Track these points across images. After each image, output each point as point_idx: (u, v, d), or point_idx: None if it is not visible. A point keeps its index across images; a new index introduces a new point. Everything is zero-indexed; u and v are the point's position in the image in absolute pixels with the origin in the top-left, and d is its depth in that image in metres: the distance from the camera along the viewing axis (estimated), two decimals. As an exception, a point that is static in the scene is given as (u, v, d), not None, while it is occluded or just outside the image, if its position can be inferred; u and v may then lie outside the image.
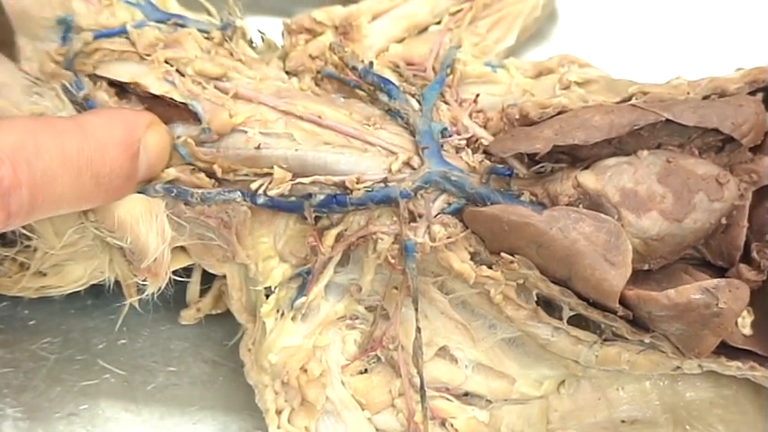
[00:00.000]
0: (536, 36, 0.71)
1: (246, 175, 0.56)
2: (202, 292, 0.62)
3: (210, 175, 0.56)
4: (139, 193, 0.54)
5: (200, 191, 0.55)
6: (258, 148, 0.55)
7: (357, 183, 0.55)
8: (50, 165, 0.48)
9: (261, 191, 0.55)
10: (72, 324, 0.63)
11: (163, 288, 0.58)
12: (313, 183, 0.55)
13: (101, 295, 0.62)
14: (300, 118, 0.56)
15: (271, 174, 0.55)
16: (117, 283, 0.58)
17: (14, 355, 0.61)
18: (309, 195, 0.56)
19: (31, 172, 0.48)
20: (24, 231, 0.54)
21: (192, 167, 0.56)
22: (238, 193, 0.55)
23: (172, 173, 0.55)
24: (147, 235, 0.54)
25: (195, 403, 0.61)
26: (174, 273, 0.57)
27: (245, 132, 0.55)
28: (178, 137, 0.56)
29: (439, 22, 0.65)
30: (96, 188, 0.51)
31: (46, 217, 0.51)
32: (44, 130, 0.49)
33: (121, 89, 0.57)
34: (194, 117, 0.56)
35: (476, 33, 0.65)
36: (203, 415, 0.61)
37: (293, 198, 0.56)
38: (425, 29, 0.65)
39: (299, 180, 0.55)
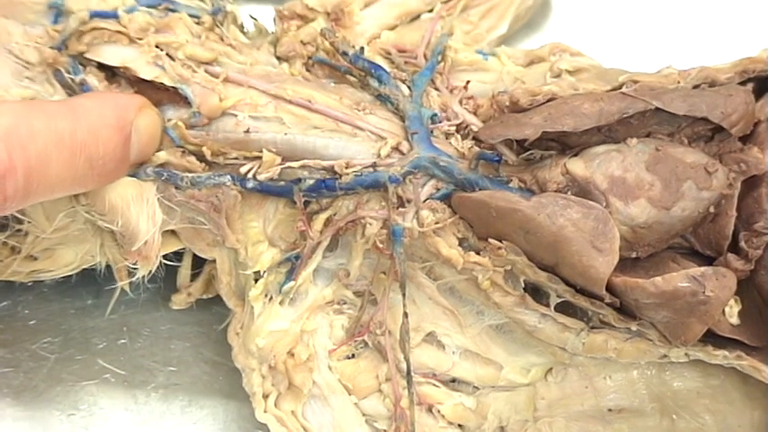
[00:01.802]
0: (528, 26, 0.71)
1: (236, 158, 0.56)
2: (194, 278, 0.61)
3: (200, 158, 0.56)
4: (131, 176, 0.54)
5: (190, 175, 0.55)
6: (247, 132, 0.55)
7: (346, 167, 0.55)
8: (44, 149, 0.48)
9: (250, 174, 0.55)
10: (72, 324, 0.63)
11: (162, 287, 0.58)
12: (302, 167, 0.55)
13: (101, 295, 0.62)
14: (290, 102, 0.56)
15: (260, 157, 0.55)
16: (116, 282, 0.58)
17: (14, 354, 0.62)
18: (299, 180, 0.56)
19: (26, 156, 0.48)
20: (16, 215, 0.54)
21: (183, 151, 0.56)
22: (228, 177, 0.55)
23: (162, 156, 0.55)
24: (138, 218, 0.54)
25: (195, 403, 0.61)
26: (165, 257, 0.57)
27: (235, 116, 0.55)
28: (168, 120, 0.56)
29: (431, 10, 0.65)
30: (90, 171, 0.51)
31: (40, 201, 0.51)
32: (36, 114, 0.49)
33: (111, 73, 0.57)
34: (184, 100, 0.56)
35: (468, 21, 0.65)
36: (203, 415, 0.61)
37: (282, 182, 0.56)
38: (417, 16, 0.65)
39: (287, 164, 0.55)
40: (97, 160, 0.51)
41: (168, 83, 0.56)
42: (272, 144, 0.55)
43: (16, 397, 0.61)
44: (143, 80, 0.56)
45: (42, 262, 0.57)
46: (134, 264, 0.55)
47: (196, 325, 0.63)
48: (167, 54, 0.57)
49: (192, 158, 0.55)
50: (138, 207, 0.54)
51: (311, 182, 0.55)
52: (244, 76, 0.57)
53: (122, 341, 0.62)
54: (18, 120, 0.48)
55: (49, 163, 0.49)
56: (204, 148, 0.55)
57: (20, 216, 0.55)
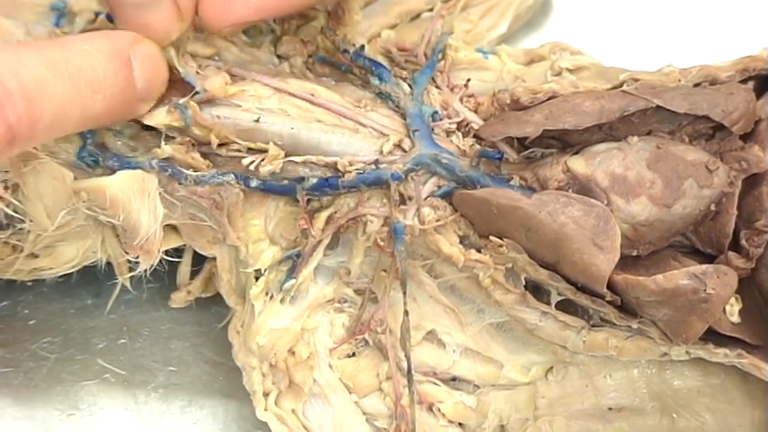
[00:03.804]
0: (529, 25, 0.71)
1: (239, 150, 0.55)
2: (194, 276, 0.61)
3: (205, 154, 0.56)
4: (135, 168, 0.54)
5: (194, 174, 0.55)
6: (257, 121, 0.55)
7: (349, 165, 0.55)
8: (37, 71, 0.46)
9: (252, 167, 0.55)
10: (72, 324, 0.63)
11: (163, 285, 0.58)
12: (304, 162, 0.55)
13: (101, 295, 0.62)
14: (293, 95, 0.56)
15: (262, 150, 0.55)
16: (116, 281, 0.58)
17: (14, 354, 0.61)
18: (302, 179, 0.56)
19: (19, 80, 0.46)
20: (16, 215, 0.54)
21: (188, 145, 0.55)
22: (231, 175, 0.55)
23: (168, 150, 0.55)
24: (140, 212, 0.54)
25: (195, 403, 0.61)
26: (166, 254, 0.57)
27: (241, 106, 0.55)
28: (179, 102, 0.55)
29: (431, 9, 0.65)
30: (95, 96, 0.49)
31: (56, 132, 0.49)
32: (23, 47, 0.48)
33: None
34: (189, 90, 0.55)
35: (468, 20, 0.65)
36: (203, 415, 0.61)
37: (286, 181, 0.56)
38: (418, 15, 0.65)
39: (290, 158, 0.55)
40: (99, 84, 0.49)
41: (177, 66, 0.56)
42: (279, 137, 0.55)
43: (16, 397, 0.60)
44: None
45: (44, 259, 0.57)
46: (135, 258, 0.55)
47: (196, 324, 0.63)
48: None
49: (197, 155, 0.55)
50: (140, 201, 0.53)
51: (314, 180, 0.55)
52: (246, 71, 0.57)
53: (122, 341, 0.62)
54: (2, 51, 0.46)
55: (46, 85, 0.47)
56: (212, 135, 0.55)
57: (20, 215, 0.54)
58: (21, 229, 0.55)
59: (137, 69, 0.51)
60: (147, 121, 0.54)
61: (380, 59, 0.60)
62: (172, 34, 0.54)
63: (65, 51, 0.49)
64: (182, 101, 0.55)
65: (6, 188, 0.52)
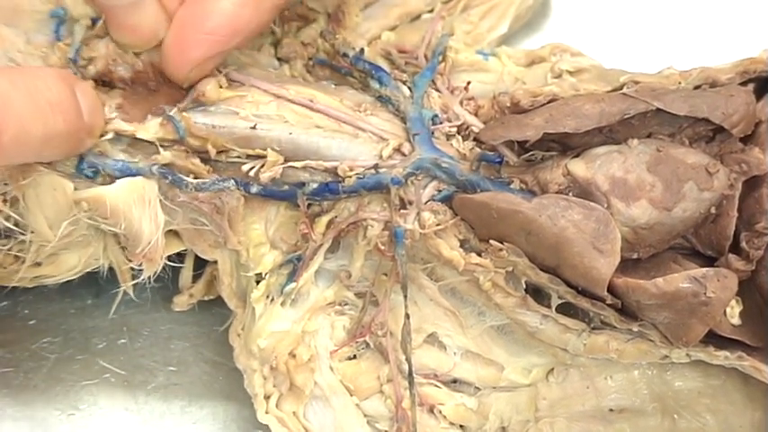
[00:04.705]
0: (529, 27, 0.71)
1: (239, 156, 0.55)
2: (196, 279, 0.61)
3: (204, 160, 0.56)
4: (135, 176, 0.54)
5: (195, 181, 0.55)
6: (254, 128, 0.55)
7: (348, 169, 0.55)
8: (1, 88, 0.48)
9: (252, 173, 0.55)
10: (72, 324, 0.63)
11: (162, 285, 0.58)
12: (304, 167, 0.55)
13: (101, 295, 0.62)
14: (292, 101, 0.56)
15: (262, 156, 0.55)
16: (117, 282, 0.58)
17: (14, 354, 0.61)
18: (302, 184, 0.56)
19: None
20: (18, 229, 0.54)
21: (187, 151, 0.55)
22: (232, 181, 0.55)
23: (167, 156, 0.55)
24: (141, 220, 0.54)
25: (195, 403, 0.61)
26: (167, 258, 0.57)
27: (238, 113, 0.55)
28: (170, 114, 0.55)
29: (431, 11, 0.65)
30: (55, 116, 0.50)
31: (23, 151, 0.49)
32: None
33: (102, 83, 0.57)
34: (182, 96, 0.55)
35: (468, 21, 0.65)
36: (203, 415, 0.61)
37: (286, 187, 0.56)
38: (418, 17, 0.65)
39: (290, 164, 0.55)
40: (58, 105, 0.50)
41: None
42: (277, 143, 0.55)
43: (16, 397, 0.60)
44: (133, 84, 0.56)
45: (46, 267, 0.57)
46: (139, 265, 0.55)
47: (196, 325, 0.63)
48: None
49: (197, 161, 0.55)
50: (141, 209, 0.53)
51: (315, 186, 0.55)
52: (244, 76, 0.57)
53: (122, 341, 0.62)
54: None
55: (7, 99, 0.48)
56: (209, 145, 0.55)
57: (22, 229, 0.54)
58: (23, 240, 0.55)
59: (81, 101, 0.52)
60: (140, 136, 0.54)
61: (380, 61, 0.60)
62: (159, 34, 0.54)
63: (22, 72, 0.50)
64: (172, 112, 0.54)
65: (6, 201, 0.52)
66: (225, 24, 0.52)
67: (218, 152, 0.55)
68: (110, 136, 0.54)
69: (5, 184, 0.52)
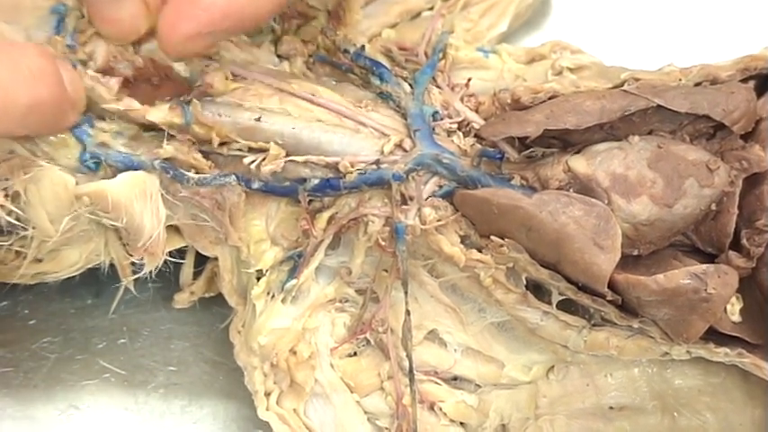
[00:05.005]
0: (529, 24, 0.71)
1: (240, 149, 0.55)
2: (196, 276, 0.61)
3: (206, 154, 0.56)
4: (139, 167, 0.54)
5: (196, 176, 0.55)
6: (258, 120, 0.55)
7: (350, 165, 0.55)
8: None
9: (253, 166, 0.55)
10: (72, 324, 0.62)
11: (163, 285, 0.58)
12: (305, 162, 0.55)
13: (101, 295, 0.62)
14: (294, 95, 0.56)
15: (264, 150, 0.55)
16: (117, 281, 0.58)
17: (14, 354, 0.61)
18: (304, 180, 0.56)
19: None
20: (18, 223, 0.54)
21: (190, 142, 0.55)
22: (233, 177, 0.55)
23: (169, 150, 0.55)
24: (142, 215, 0.54)
25: (195, 403, 0.61)
26: (169, 255, 0.57)
27: (242, 105, 0.55)
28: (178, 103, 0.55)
29: (431, 8, 0.65)
30: (37, 81, 0.50)
31: (8, 120, 0.49)
32: None
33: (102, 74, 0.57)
34: (186, 89, 0.56)
35: (468, 19, 0.65)
36: (203, 414, 0.61)
37: (287, 183, 0.56)
38: (418, 15, 0.65)
39: (291, 158, 0.55)
40: (40, 72, 0.50)
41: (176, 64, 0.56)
42: (280, 136, 0.55)
43: (16, 397, 0.60)
44: (136, 80, 0.56)
45: (47, 264, 0.56)
46: (140, 260, 0.55)
47: (196, 325, 0.63)
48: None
49: (199, 155, 0.55)
50: (142, 203, 0.53)
51: (316, 181, 0.55)
52: (246, 71, 0.57)
53: (122, 341, 0.62)
54: None
55: None
56: (213, 134, 0.55)
57: (23, 224, 0.54)
58: (24, 236, 0.55)
59: (63, 74, 0.52)
60: (150, 117, 0.54)
61: (381, 59, 0.60)
62: (141, 29, 0.55)
63: (2, 44, 0.51)
64: (184, 98, 0.55)
65: (7, 196, 0.52)
66: (220, 3, 0.52)
67: (220, 144, 0.55)
68: (115, 128, 0.54)
69: (7, 179, 0.52)
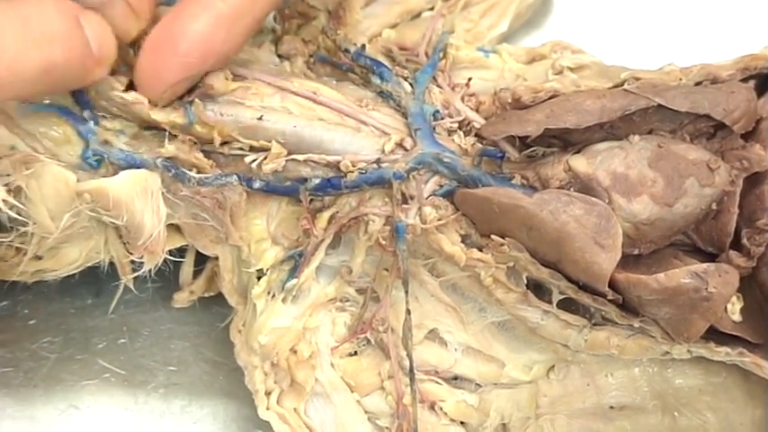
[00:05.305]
0: (529, 24, 0.71)
1: (241, 148, 0.55)
2: (196, 276, 0.61)
3: (207, 154, 0.56)
4: (141, 165, 0.54)
5: (197, 175, 0.55)
6: (260, 119, 0.55)
7: (351, 164, 0.55)
8: None
9: (255, 165, 0.55)
10: (72, 324, 0.62)
11: (163, 285, 0.58)
12: (306, 161, 0.55)
13: (101, 295, 0.62)
14: (296, 94, 0.56)
15: (265, 149, 0.55)
16: (117, 281, 0.58)
17: (14, 354, 0.61)
18: (305, 179, 0.56)
19: None
20: (20, 217, 0.54)
21: (192, 142, 0.55)
22: (234, 176, 0.55)
23: (171, 149, 0.55)
24: (143, 213, 0.53)
25: (195, 403, 0.61)
26: (169, 254, 0.57)
27: (243, 104, 0.55)
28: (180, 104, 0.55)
29: (432, 8, 0.65)
30: (52, 46, 0.49)
31: (21, 84, 0.49)
32: None
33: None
34: (190, 90, 0.55)
35: (469, 19, 0.65)
36: (203, 414, 0.61)
37: (288, 182, 0.56)
38: (418, 15, 0.65)
39: (293, 157, 0.55)
40: (54, 36, 0.49)
41: None
42: (281, 135, 0.55)
43: (16, 397, 0.60)
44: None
45: (47, 261, 0.56)
46: (139, 258, 0.55)
47: (196, 324, 0.63)
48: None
49: (200, 155, 0.55)
50: (143, 201, 0.53)
51: (317, 181, 0.55)
52: (247, 70, 0.57)
53: (122, 341, 0.62)
54: None
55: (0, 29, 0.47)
56: (215, 133, 0.55)
57: (24, 219, 0.54)
58: (24, 232, 0.55)
59: (88, 32, 0.51)
60: (154, 116, 0.54)
61: (381, 59, 0.60)
62: (131, 32, 0.54)
63: (15, 4, 0.49)
64: (185, 98, 0.55)
65: (9, 192, 0.52)
66: (198, 47, 0.52)
67: (222, 143, 0.55)
68: (117, 126, 0.54)
69: (8, 174, 0.52)
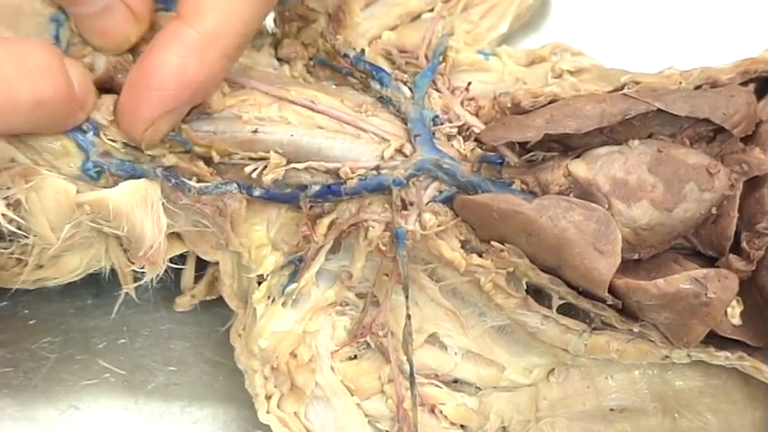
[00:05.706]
0: (529, 26, 0.71)
1: (242, 159, 0.55)
2: (197, 280, 0.61)
3: (208, 162, 0.56)
4: (141, 176, 0.54)
5: (197, 185, 0.55)
6: (255, 132, 0.55)
7: (350, 171, 0.55)
8: None
9: (255, 174, 0.55)
10: (72, 324, 0.62)
11: (163, 285, 0.58)
12: (306, 169, 0.55)
13: (101, 295, 0.62)
14: (294, 102, 0.56)
15: (265, 159, 0.55)
16: (117, 281, 0.58)
17: (14, 354, 0.61)
18: (305, 186, 0.56)
19: None
20: (20, 231, 0.54)
21: (191, 155, 0.55)
22: (234, 185, 0.55)
23: (171, 159, 0.55)
24: (143, 223, 0.53)
25: (195, 403, 0.61)
26: (170, 260, 0.57)
27: (240, 117, 0.55)
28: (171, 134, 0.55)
29: (431, 10, 0.65)
30: (43, 77, 0.49)
31: (13, 116, 0.49)
32: None
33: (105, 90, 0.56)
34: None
35: (468, 21, 0.65)
36: (203, 415, 0.61)
37: (289, 189, 0.56)
38: (418, 16, 0.65)
39: (292, 165, 0.55)
40: (46, 69, 0.50)
41: None
42: (279, 145, 0.55)
43: (16, 397, 0.60)
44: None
45: (48, 270, 0.56)
46: (141, 267, 0.55)
47: (196, 325, 0.63)
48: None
49: (201, 163, 0.55)
50: (143, 211, 0.53)
51: (317, 188, 0.55)
52: (245, 78, 0.57)
53: (122, 341, 0.62)
54: None
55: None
56: (213, 152, 0.55)
57: (24, 232, 0.54)
58: (25, 243, 0.55)
59: (71, 72, 0.51)
60: (148, 152, 0.54)
61: (381, 61, 0.60)
62: (131, 37, 0.54)
63: (8, 40, 0.50)
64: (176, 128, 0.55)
65: (9, 205, 0.52)
66: (172, 78, 0.51)
67: (223, 156, 0.55)
68: (117, 136, 0.54)
69: (8, 187, 0.52)
